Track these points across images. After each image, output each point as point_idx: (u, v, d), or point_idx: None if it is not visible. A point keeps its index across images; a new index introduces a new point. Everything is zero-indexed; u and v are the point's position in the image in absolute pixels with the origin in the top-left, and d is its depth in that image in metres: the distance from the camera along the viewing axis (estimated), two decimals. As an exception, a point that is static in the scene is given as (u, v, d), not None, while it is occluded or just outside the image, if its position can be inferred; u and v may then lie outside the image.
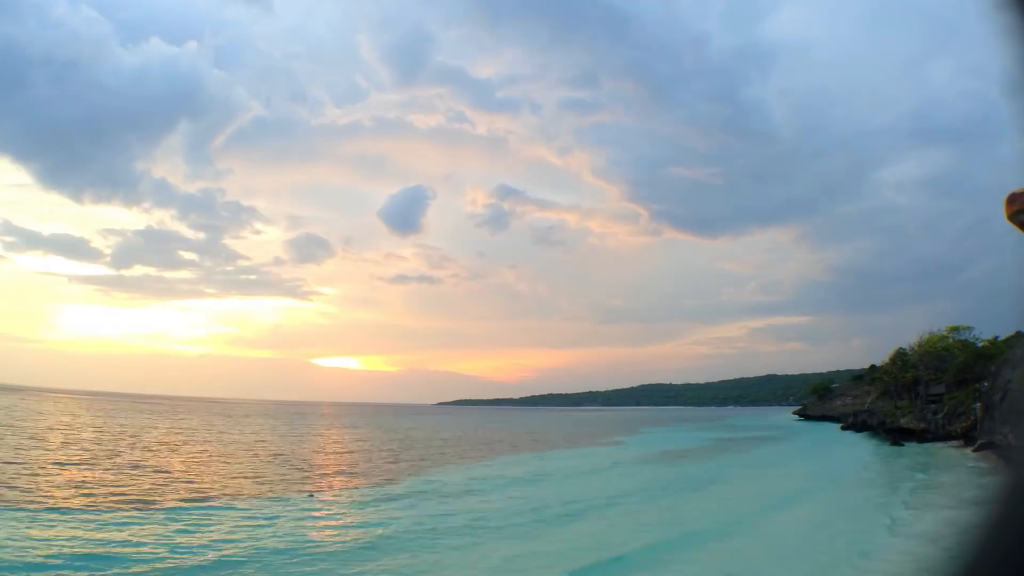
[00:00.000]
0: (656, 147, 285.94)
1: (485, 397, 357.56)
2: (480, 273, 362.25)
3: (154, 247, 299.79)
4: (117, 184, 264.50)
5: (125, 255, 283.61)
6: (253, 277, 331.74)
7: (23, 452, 29.75)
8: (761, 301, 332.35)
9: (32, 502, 18.17)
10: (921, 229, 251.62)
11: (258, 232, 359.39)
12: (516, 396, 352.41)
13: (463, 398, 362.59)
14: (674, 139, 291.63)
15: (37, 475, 23.12)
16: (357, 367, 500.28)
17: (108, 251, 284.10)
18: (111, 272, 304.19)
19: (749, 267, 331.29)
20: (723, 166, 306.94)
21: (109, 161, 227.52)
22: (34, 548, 13.52)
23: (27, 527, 15.26)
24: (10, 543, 13.72)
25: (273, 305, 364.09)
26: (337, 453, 40.06)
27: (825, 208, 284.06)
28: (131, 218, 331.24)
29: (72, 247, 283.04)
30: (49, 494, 19.57)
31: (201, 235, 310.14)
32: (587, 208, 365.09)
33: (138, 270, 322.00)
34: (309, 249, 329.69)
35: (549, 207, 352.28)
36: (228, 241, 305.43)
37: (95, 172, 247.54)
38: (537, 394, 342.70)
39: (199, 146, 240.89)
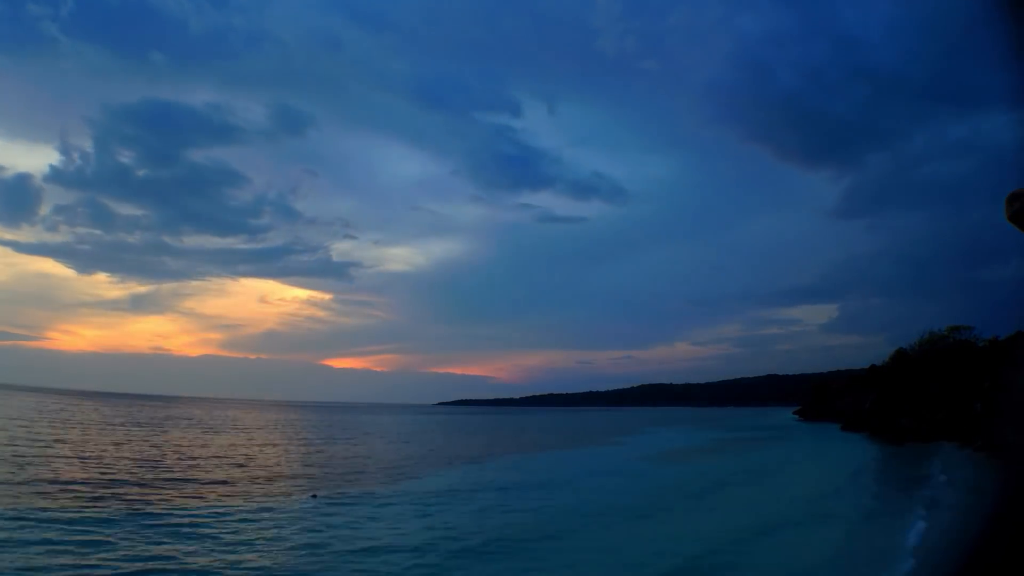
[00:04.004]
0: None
1: (486, 397, 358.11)
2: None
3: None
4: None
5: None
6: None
7: (16, 452, 29.77)
8: (781, 286, 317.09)
9: (17, 505, 18.19)
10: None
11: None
12: (517, 396, 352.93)
13: (464, 398, 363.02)
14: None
15: (27, 476, 23.12)
16: (358, 367, 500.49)
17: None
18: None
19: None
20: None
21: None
22: (20, 551, 13.52)
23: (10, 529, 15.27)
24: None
25: (259, 290, 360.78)
26: (340, 454, 40.04)
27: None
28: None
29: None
30: (43, 494, 19.52)
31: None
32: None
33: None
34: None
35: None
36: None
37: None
38: (538, 394, 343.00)
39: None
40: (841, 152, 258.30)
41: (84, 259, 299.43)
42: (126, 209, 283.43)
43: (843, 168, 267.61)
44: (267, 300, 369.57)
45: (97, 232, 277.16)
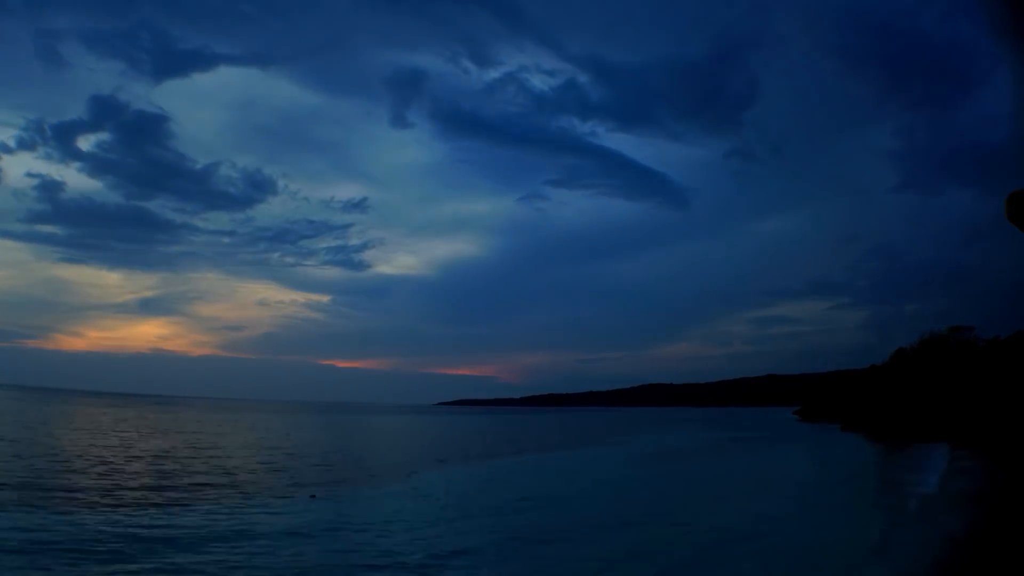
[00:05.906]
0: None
1: (486, 397, 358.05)
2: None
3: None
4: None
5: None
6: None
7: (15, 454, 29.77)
8: (791, 282, 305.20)
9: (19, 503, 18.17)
10: None
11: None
12: (517, 396, 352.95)
13: (464, 398, 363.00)
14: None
15: (25, 478, 23.10)
16: (358, 367, 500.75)
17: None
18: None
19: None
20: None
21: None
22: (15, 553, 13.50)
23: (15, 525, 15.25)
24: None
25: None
26: (339, 454, 40.01)
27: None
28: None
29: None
30: (40, 496, 19.39)
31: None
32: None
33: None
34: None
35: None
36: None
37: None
38: (538, 394, 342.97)
39: None
40: (929, 102, 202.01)
41: (59, 244, 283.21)
42: (94, 181, 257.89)
43: (919, 123, 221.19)
44: (267, 302, 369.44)
45: (57, 210, 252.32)
